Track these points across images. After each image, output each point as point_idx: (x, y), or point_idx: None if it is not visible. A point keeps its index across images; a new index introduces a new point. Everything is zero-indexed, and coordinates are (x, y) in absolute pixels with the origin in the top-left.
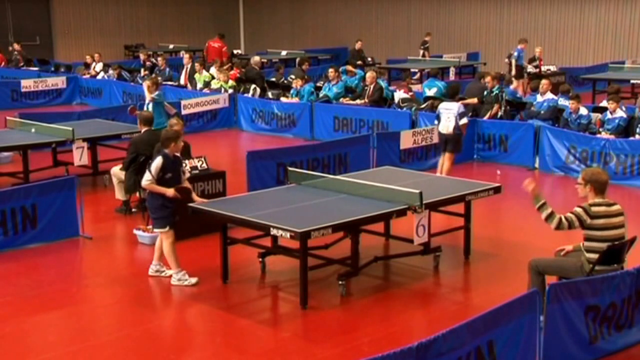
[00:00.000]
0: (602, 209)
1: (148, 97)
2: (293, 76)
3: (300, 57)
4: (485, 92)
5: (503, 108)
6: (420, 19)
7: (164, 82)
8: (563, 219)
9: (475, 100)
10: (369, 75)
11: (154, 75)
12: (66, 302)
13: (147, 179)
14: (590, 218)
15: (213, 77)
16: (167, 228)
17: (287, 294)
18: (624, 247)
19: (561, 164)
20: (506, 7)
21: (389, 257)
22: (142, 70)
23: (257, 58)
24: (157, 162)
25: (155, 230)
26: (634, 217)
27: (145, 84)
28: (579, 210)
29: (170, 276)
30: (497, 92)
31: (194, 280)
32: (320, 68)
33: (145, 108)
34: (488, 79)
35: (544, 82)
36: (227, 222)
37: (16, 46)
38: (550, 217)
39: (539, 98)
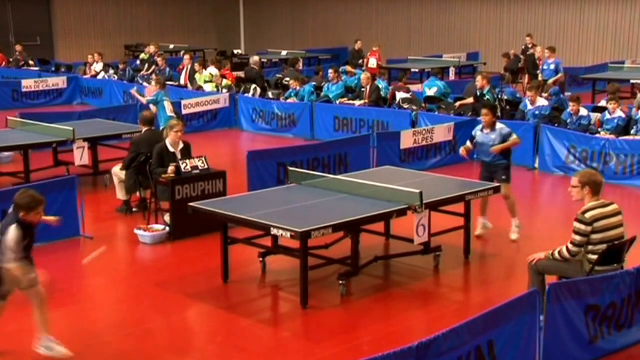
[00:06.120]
0: (597, 212)
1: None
2: (288, 78)
3: (292, 58)
4: (478, 93)
5: (501, 109)
6: (420, 19)
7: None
8: (575, 248)
9: (472, 99)
10: (364, 76)
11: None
12: (67, 302)
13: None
14: (590, 225)
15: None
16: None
17: (288, 293)
18: (623, 247)
19: (561, 164)
20: (506, 7)
21: (389, 257)
22: (145, 67)
23: (257, 58)
24: (13, 233)
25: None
26: (634, 217)
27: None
28: (577, 226)
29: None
30: (488, 96)
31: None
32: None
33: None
34: (478, 79)
35: (529, 94)
36: (227, 221)
37: (18, 47)
38: (567, 255)
39: (529, 106)
